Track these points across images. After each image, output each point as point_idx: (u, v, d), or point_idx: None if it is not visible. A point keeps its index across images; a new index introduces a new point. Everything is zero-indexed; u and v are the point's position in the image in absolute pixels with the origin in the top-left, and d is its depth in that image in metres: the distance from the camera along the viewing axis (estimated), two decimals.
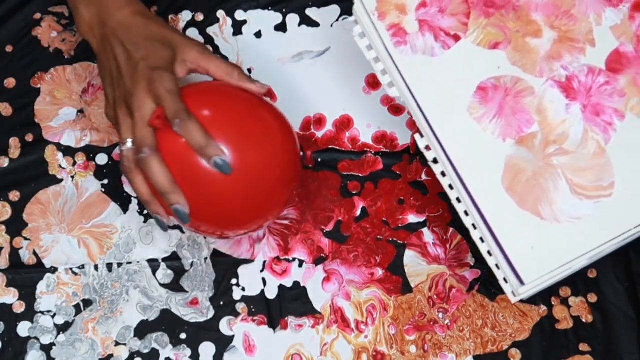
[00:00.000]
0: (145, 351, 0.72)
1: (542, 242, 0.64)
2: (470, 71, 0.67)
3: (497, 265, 0.64)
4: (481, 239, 0.65)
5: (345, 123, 0.78)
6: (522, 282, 0.63)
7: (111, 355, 0.72)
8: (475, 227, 0.65)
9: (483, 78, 0.67)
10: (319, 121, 0.78)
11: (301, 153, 0.77)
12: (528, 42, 0.68)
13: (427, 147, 0.67)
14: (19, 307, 0.72)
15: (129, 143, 0.63)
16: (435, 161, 0.67)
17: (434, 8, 0.68)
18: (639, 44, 0.68)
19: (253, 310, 0.73)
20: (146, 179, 0.63)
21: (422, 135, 0.67)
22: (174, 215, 0.63)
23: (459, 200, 0.66)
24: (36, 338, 0.72)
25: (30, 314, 0.72)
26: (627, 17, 0.68)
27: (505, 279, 0.64)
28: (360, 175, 0.77)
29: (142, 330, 0.72)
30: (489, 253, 0.65)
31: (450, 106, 0.66)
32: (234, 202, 0.63)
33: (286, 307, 0.73)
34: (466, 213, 0.66)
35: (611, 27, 0.68)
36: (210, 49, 0.79)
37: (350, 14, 0.68)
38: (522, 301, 0.73)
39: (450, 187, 0.66)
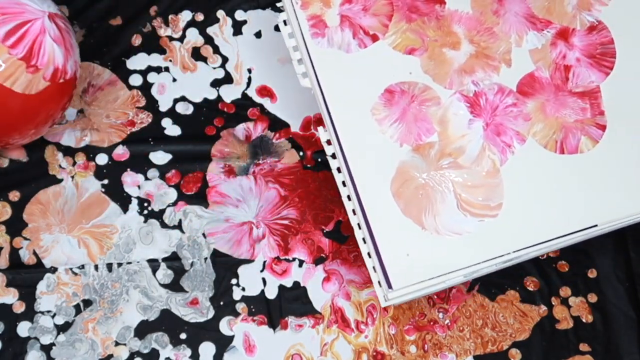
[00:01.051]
0: (145, 351, 0.72)
1: (418, 252, 0.63)
2: (382, 73, 0.67)
3: (374, 268, 0.64)
4: (364, 239, 0.65)
5: None
6: (390, 287, 0.63)
7: (111, 355, 0.72)
8: (360, 227, 0.65)
9: (392, 81, 0.67)
10: (319, 121, 0.78)
11: (300, 153, 0.77)
12: (444, 53, 0.67)
13: (329, 142, 0.67)
14: (19, 307, 0.72)
15: None
16: (333, 156, 0.67)
17: (359, 5, 0.68)
18: (555, 71, 0.67)
19: (253, 310, 0.73)
20: None
21: (325, 129, 0.67)
22: None
23: (349, 198, 0.66)
24: (36, 338, 0.72)
25: (30, 314, 0.72)
26: (549, 43, 0.68)
27: (380, 283, 0.64)
28: None
29: (142, 330, 0.72)
30: (369, 255, 0.64)
31: (354, 104, 0.66)
32: None
33: (286, 307, 0.73)
34: (354, 212, 0.65)
35: (530, 50, 0.68)
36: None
37: None
38: (522, 301, 0.73)
39: (344, 184, 0.66)
